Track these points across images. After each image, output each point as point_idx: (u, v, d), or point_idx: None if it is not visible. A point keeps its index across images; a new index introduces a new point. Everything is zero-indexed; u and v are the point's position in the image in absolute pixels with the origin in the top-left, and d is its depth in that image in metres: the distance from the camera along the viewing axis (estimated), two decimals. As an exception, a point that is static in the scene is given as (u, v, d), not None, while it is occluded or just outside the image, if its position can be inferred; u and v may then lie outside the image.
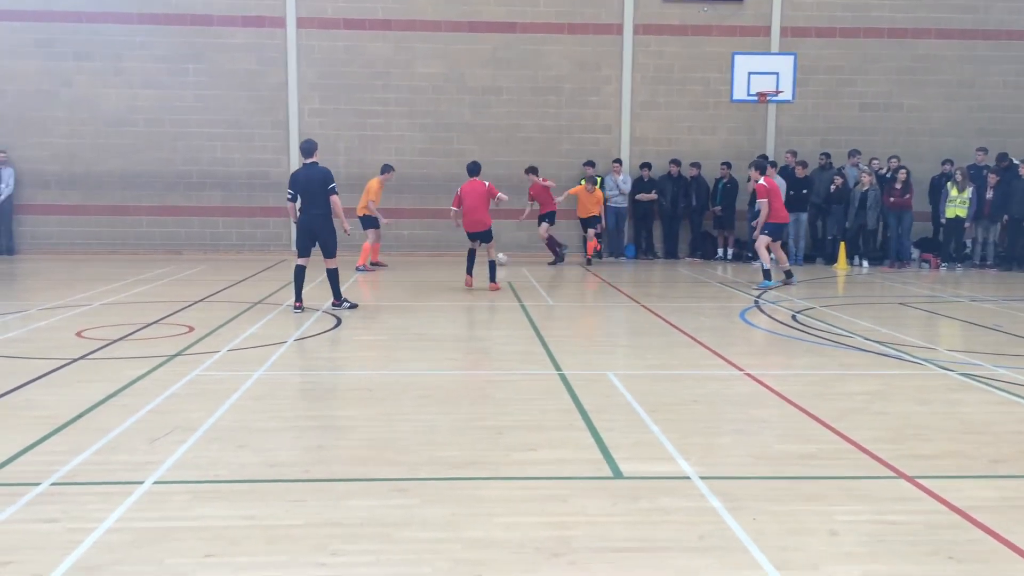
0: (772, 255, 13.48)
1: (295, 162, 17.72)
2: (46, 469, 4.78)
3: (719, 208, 17.56)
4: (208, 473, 4.81)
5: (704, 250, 17.93)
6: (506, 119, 18.09)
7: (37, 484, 4.54)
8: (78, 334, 8.83)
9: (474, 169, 12.58)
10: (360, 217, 15.03)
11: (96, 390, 6.54)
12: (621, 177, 17.62)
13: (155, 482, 4.62)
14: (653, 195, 17.55)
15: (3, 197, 17.04)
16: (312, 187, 10.17)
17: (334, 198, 10.22)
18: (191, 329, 9.22)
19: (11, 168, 17.18)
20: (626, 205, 17.73)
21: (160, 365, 7.47)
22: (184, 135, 17.65)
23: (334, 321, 9.83)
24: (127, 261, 16.39)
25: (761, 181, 13.17)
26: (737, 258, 17.58)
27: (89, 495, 4.44)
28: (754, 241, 13.71)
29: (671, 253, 17.97)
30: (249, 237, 18.04)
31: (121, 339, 8.62)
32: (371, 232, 15.15)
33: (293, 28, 17.56)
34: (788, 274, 13.55)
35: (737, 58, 16.76)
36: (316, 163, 10.34)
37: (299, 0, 17.51)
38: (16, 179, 17.24)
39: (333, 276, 10.56)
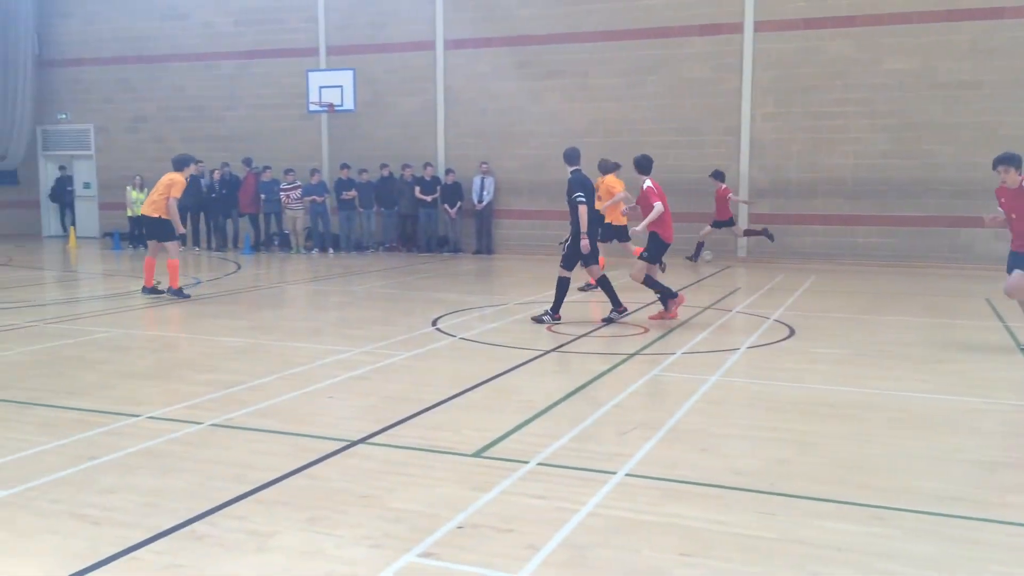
0: None
1: (746, 167, 17.66)
2: (531, 449, 5.26)
3: None
4: (674, 472, 4.90)
5: None
6: (984, 116, 16.12)
7: (526, 462, 5.01)
8: (549, 328, 9.66)
9: (647, 165, 10.35)
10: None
11: (567, 381, 7.08)
12: None
13: (626, 474, 4.84)
14: None
15: (484, 203, 19.38)
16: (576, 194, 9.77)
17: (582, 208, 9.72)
18: (646, 330, 9.58)
19: (492, 177, 19.47)
20: None
21: (621, 363, 7.85)
22: (640, 145, 18.46)
23: (787, 331, 9.54)
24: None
25: None
26: None
27: (569, 478, 4.78)
28: None
29: None
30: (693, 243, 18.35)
31: (585, 335, 9.25)
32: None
33: (750, 32, 17.46)
34: None
35: None
36: (580, 170, 10.01)
37: (757, 3, 17.37)
38: (495, 187, 19.51)
39: (608, 283, 10.02)
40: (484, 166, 19.42)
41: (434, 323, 9.99)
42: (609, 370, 7.53)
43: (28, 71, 23.58)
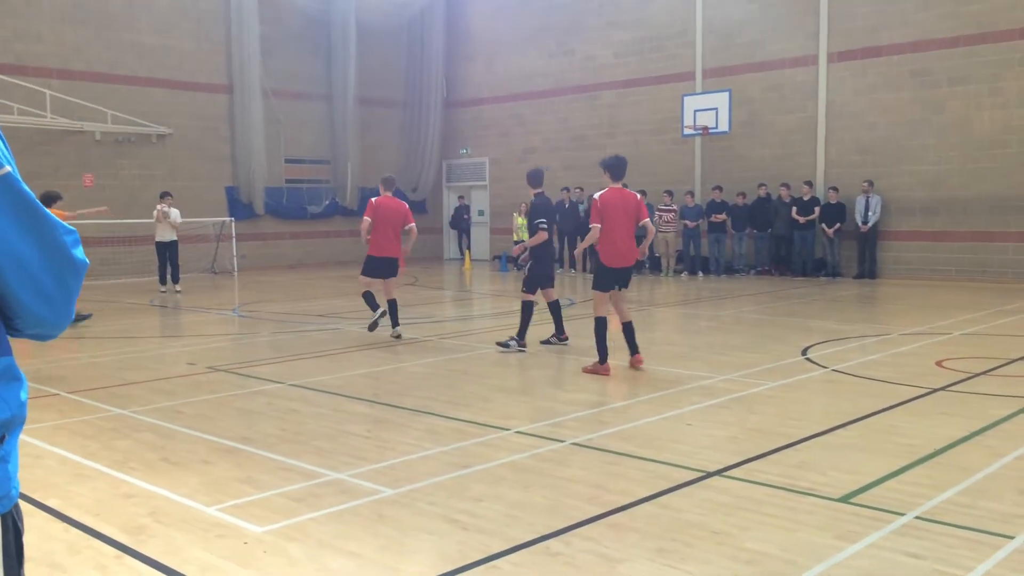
0: None
1: None
2: (909, 500, 4.70)
3: None
4: (1095, 547, 4.07)
5: None
6: None
7: (901, 514, 4.49)
8: (938, 363, 8.65)
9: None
10: None
11: (958, 425, 6.25)
12: None
13: (1029, 542, 4.12)
14: None
15: (870, 224, 17.98)
16: None
17: None
18: (1065, 371, 8.18)
19: (878, 196, 17.99)
20: None
21: (1030, 408, 6.77)
22: (1063, 154, 15.98)
23: None
24: (989, 290, 15.60)
25: None
26: None
27: (954, 538, 4.19)
28: None
29: None
30: None
31: (983, 373, 8.13)
32: None
33: None
34: None
35: None
36: None
37: None
38: (882, 206, 18.01)
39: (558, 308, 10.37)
40: (865, 185, 18.04)
41: (804, 352, 9.44)
42: (1013, 415, 6.53)
43: (437, 111, 26.64)
